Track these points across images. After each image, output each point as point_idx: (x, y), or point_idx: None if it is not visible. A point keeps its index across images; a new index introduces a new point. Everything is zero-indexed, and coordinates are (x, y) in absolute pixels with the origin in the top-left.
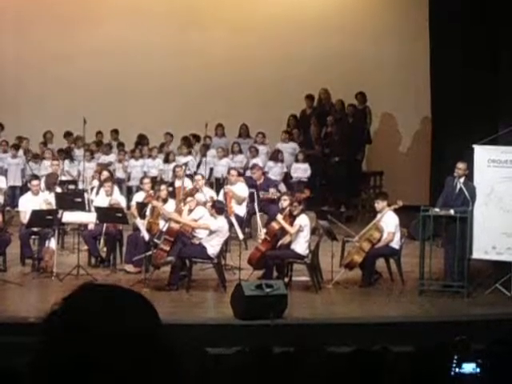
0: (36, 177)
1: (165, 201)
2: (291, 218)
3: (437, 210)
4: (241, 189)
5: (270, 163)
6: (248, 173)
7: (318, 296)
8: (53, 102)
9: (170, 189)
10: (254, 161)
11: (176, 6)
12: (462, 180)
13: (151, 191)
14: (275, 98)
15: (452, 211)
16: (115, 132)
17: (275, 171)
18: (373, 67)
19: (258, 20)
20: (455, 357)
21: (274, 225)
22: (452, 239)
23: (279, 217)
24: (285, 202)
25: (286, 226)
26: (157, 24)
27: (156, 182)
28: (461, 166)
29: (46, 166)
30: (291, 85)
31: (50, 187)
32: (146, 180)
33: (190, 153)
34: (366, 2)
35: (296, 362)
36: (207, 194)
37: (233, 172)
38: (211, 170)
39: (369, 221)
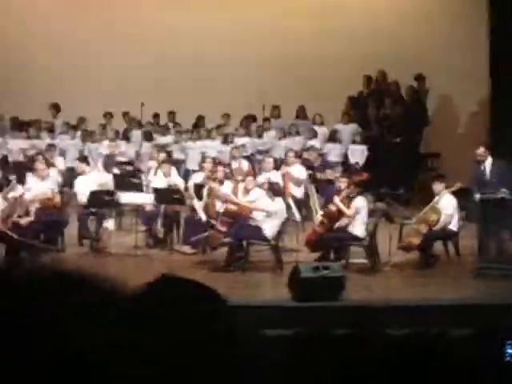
0: (84, 158)
1: (222, 182)
2: (348, 200)
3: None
4: (298, 170)
5: (329, 144)
6: (305, 154)
7: (375, 278)
8: (111, 84)
9: (228, 170)
10: (312, 142)
11: None
12: (487, 163)
13: (212, 172)
14: (331, 78)
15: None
16: (172, 113)
17: (334, 153)
18: (429, 48)
19: (316, 3)
20: (510, 341)
21: (331, 207)
22: (496, 221)
23: (336, 199)
24: (342, 184)
25: (343, 208)
26: (211, 5)
27: (214, 163)
28: (479, 151)
29: (104, 147)
30: (347, 66)
31: (107, 168)
32: (208, 160)
33: (247, 134)
34: None
35: (354, 344)
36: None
37: (290, 153)
38: (268, 151)
39: (426, 203)
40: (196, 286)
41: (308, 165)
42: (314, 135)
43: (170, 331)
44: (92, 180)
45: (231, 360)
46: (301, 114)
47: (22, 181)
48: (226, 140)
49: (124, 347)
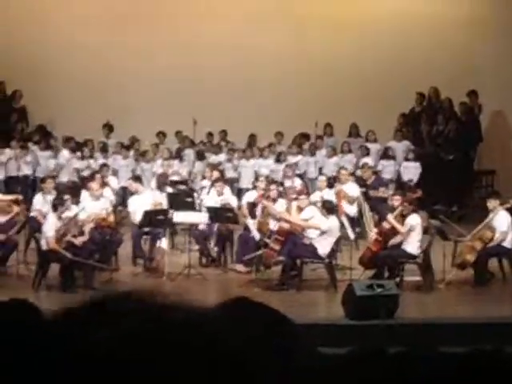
0: (137, 178)
1: (275, 200)
2: (402, 218)
3: None
4: (351, 188)
5: (383, 162)
6: (359, 172)
7: (429, 296)
8: (164, 103)
9: (281, 188)
10: (365, 160)
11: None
12: None
13: (265, 191)
14: (383, 96)
15: None
16: (224, 132)
17: (388, 170)
18: (481, 64)
19: (366, 18)
20: None
21: (385, 224)
22: None
23: (390, 216)
24: (396, 202)
25: (397, 226)
26: (266, 27)
27: (268, 181)
28: None
29: (157, 166)
30: (398, 83)
31: (160, 187)
32: (261, 179)
33: (300, 152)
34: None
35: (409, 362)
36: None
37: (343, 171)
38: (320, 169)
39: (481, 220)
40: (266, 309)
41: (361, 183)
42: (367, 153)
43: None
44: (146, 199)
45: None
46: (353, 131)
47: (76, 201)
48: (278, 158)
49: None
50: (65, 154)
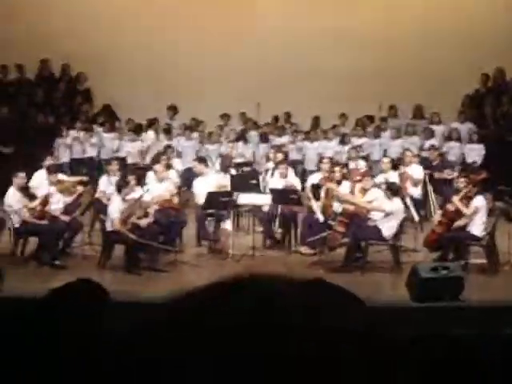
0: (202, 159)
1: (339, 182)
2: (467, 200)
3: None
4: (416, 170)
5: (448, 143)
6: (425, 153)
7: (495, 278)
8: (228, 85)
9: (345, 170)
10: (429, 142)
11: None
12: None
13: (329, 173)
14: (447, 77)
15: None
16: (288, 114)
17: (452, 152)
18: None
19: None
20: None
21: (450, 206)
22: None
23: (455, 198)
24: (460, 184)
25: (462, 208)
26: (329, 8)
27: (332, 163)
28: None
29: (222, 148)
30: (464, 64)
31: (224, 169)
32: (325, 160)
33: (364, 134)
34: None
35: (474, 345)
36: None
37: (407, 153)
38: (385, 151)
39: None
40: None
41: (426, 164)
42: (432, 135)
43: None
44: (210, 181)
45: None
46: (418, 113)
47: (140, 183)
48: (343, 140)
49: None
50: (150, 134)
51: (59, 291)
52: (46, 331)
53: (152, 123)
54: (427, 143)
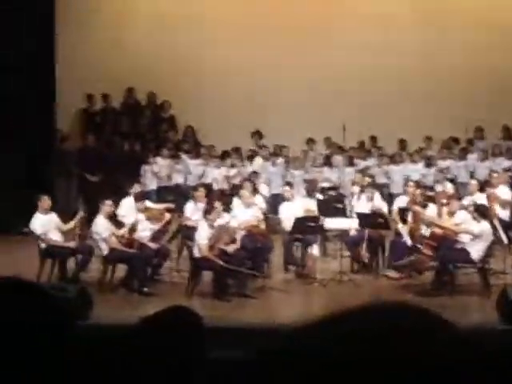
0: (290, 184)
1: (424, 206)
2: None
3: None
4: (504, 191)
5: None
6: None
7: None
8: (312, 109)
9: (432, 193)
10: None
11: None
12: None
13: (416, 196)
14: None
15: None
16: (373, 138)
17: None
18: None
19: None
20: None
21: None
22: None
23: None
24: None
25: None
26: (414, 26)
27: (418, 186)
28: None
29: (307, 173)
30: None
31: (310, 193)
32: (411, 183)
33: (450, 156)
34: None
35: None
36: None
37: (495, 174)
38: (472, 173)
39: None
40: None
41: None
42: None
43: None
44: (297, 206)
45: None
46: (505, 134)
47: (227, 208)
48: (428, 163)
49: None
50: (258, 160)
51: (155, 318)
52: (140, 358)
53: (255, 152)
54: None
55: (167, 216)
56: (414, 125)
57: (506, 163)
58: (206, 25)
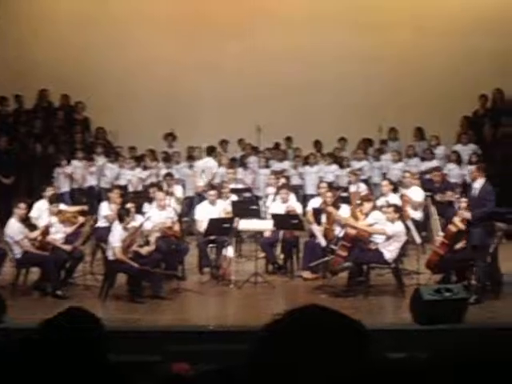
0: (212, 187)
1: (338, 207)
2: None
3: None
4: (416, 193)
5: (450, 165)
6: (429, 176)
7: (498, 299)
8: (227, 110)
9: (346, 194)
10: (431, 164)
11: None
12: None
13: (328, 198)
14: (446, 99)
15: None
16: (289, 139)
17: (454, 173)
18: None
19: (426, 19)
20: None
21: (452, 227)
22: None
23: (456, 219)
24: (462, 205)
25: (464, 228)
26: (329, 29)
27: (332, 187)
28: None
29: (221, 174)
30: (461, 85)
31: (220, 196)
32: (323, 185)
33: (364, 157)
34: None
35: (478, 367)
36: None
37: (406, 175)
38: (385, 174)
39: None
40: (341, 316)
41: (429, 186)
42: (433, 157)
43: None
44: (220, 208)
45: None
46: (418, 135)
47: (141, 211)
48: (342, 164)
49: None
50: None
51: (52, 320)
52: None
53: (212, 150)
54: (428, 165)
55: (81, 219)
56: (328, 126)
57: (421, 165)
58: (120, 25)
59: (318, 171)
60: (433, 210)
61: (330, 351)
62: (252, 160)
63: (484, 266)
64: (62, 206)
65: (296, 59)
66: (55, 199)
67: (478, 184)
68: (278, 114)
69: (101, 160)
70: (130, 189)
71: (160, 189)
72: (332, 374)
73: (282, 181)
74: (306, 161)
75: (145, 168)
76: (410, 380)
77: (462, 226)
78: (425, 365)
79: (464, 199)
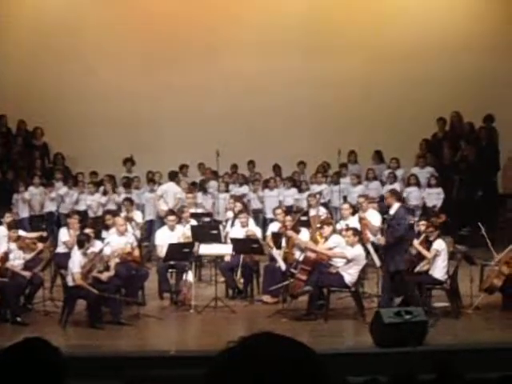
0: (172, 212)
1: (298, 231)
2: (428, 243)
3: None
4: (373, 216)
5: (408, 188)
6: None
7: (458, 321)
8: (187, 135)
9: (305, 218)
10: (391, 187)
11: (303, 33)
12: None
13: (287, 222)
14: (404, 122)
15: None
16: (252, 163)
17: (413, 196)
18: (503, 86)
19: (383, 43)
20: None
21: (411, 250)
22: None
23: (415, 242)
24: (421, 227)
25: (423, 251)
26: (285, 54)
27: (291, 211)
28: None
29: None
30: (419, 109)
31: (180, 221)
32: (278, 210)
33: (324, 181)
34: (492, 19)
35: None
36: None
37: (361, 199)
38: (345, 197)
39: (507, 244)
40: (294, 343)
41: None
42: (395, 179)
43: None
44: (179, 233)
45: None
46: (376, 158)
47: (100, 236)
48: (301, 188)
49: None
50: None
51: (8, 351)
52: None
53: (175, 175)
54: (389, 188)
55: (40, 245)
56: (288, 150)
57: (381, 189)
58: (78, 52)
59: (278, 195)
60: None
61: (281, 380)
62: (212, 184)
63: (413, 290)
64: (21, 232)
65: (248, 84)
66: (14, 225)
67: (393, 210)
68: (237, 138)
69: (59, 186)
70: (90, 214)
71: (115, 215)
72: None
73: (238, 205)
74: (266, 184)
75: (104, 193)
76: None
77: (420, 249)
78: None
79: (422, 222)
